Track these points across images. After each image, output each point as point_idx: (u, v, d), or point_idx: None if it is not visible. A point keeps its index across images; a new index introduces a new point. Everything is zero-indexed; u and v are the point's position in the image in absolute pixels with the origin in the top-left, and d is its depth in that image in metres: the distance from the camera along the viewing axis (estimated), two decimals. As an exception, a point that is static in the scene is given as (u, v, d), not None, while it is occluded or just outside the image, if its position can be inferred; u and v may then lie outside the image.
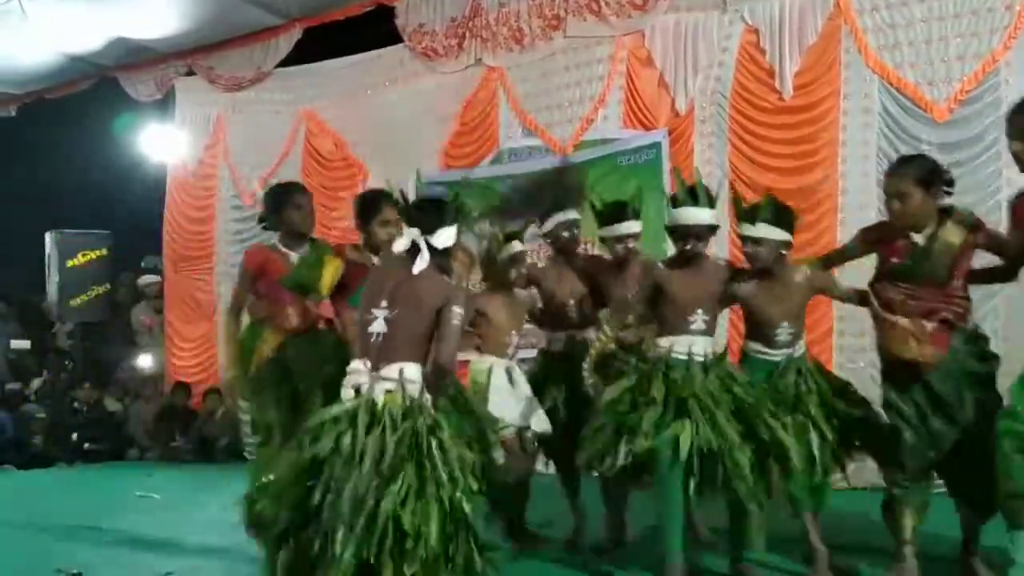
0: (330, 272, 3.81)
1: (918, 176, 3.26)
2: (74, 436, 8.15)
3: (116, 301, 9.22)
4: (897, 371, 3.32)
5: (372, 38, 7.56)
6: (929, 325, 3.23)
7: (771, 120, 5.93)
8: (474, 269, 3.30)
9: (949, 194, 3.36)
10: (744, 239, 3.51)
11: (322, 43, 7.74)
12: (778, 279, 3.50)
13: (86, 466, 7.81)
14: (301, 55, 7.91)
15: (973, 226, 3.31)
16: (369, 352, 2.84)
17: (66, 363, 8.93)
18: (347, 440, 2.66)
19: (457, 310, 2.82)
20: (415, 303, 2.84)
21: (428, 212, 2.96)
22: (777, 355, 3.53)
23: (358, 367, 2.84)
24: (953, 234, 3.28)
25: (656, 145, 6.24)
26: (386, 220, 3.74)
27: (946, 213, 3.32)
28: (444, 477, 2.63)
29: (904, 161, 3.49)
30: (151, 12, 7.63)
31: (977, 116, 5.33)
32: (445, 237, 2.91)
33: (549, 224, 4.12)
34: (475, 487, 2.71)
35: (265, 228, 4.01)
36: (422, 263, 2.87)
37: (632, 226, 4.06)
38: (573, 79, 6.69)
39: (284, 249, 3.83)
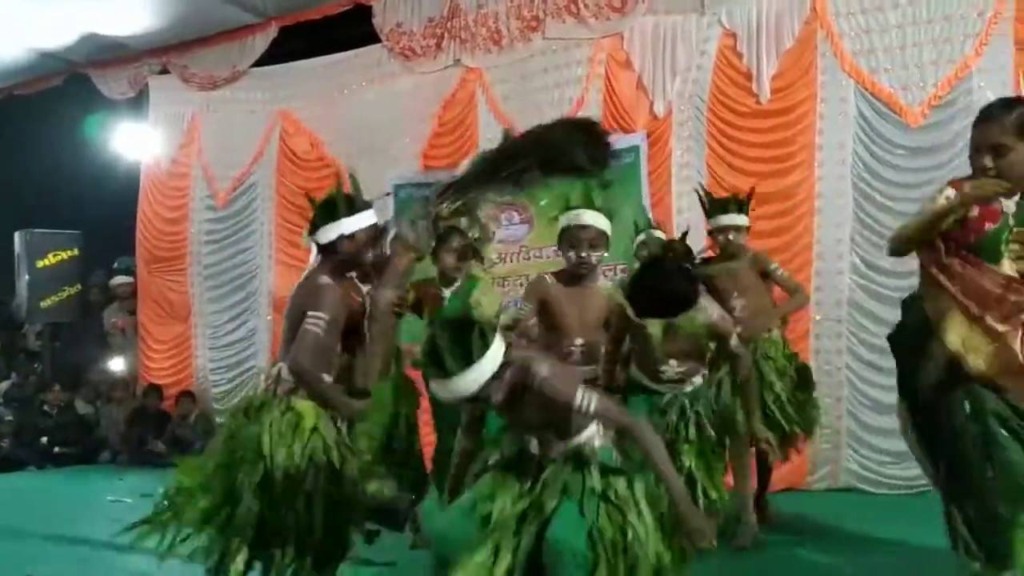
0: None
1: (1019, 123, 2.55)
2: (44, 439, 8.02)
3: (87, 302, 9.10)
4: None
5: (349, 38, 7.50)
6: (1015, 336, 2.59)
7: (748, 123, 5.96)
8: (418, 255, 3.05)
9: None
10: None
11: (298, 42, 7.67)
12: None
13: (56, 470, 7.69)
14: (277, 54, 7.83)
15: None
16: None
17: (35, 365, 8.81)
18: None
19: (312, 315, 2.86)
20: (292, 305, 2.99)
21: (319, 209, 3.02)
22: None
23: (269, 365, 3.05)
24: None
25: (635, 148, 6.25)
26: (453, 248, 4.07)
27: None
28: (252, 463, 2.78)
29: (995, 106, 2.67)
30: (124, 8, 7.53)
31: (950, 121, 5.39)
32: (324, 234, 2.96)
33: None
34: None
35: None
36: (313, 262, 3.00)
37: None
38: (552, 81, 6.68)
39: None
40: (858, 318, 5.49)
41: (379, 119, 7.30)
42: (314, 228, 3.00)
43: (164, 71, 8.42)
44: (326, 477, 2.82)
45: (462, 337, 2.30)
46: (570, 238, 3.40)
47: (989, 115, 2.62)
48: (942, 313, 2.64)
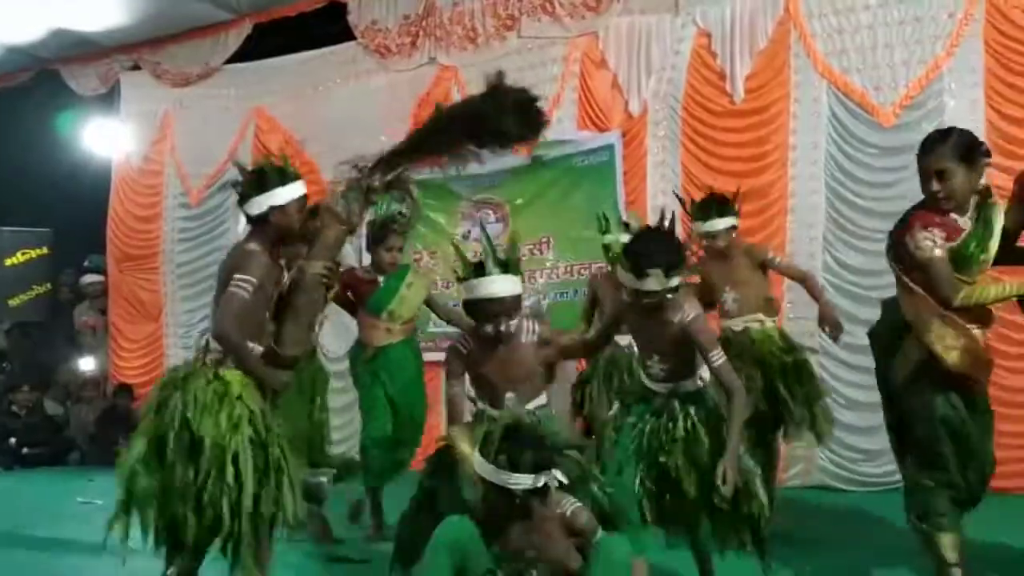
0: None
1: (957, 150, 2.90)
2: (12, 440, 7.89)
3: (57, 301, 8.99)
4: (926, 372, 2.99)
5: (324, 35, 7.46)
6: (977, 335, 2.93)
7: (722, 123, 6.00)
8: (349, 228, 3.15)
9: (982, 170, 3.01)
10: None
11: (273, 39, 7.61)
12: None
13: (25, 471, 7.57)
14: (251, 51, 7.77)
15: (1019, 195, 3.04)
16: None
17: (4, 365, 8.67)
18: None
19: (238, 277, 2.83)
20: (219, 272, 2.96)
21: (248, 181, 3.02)
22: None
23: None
24: (997, 212, 2.96)
25: (610, 147, 6.28)
26: (390, 247, 4.47)
27: (984, 195, 3.01)
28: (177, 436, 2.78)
29: (937, 135, 3.02)
30: (94, 4, 7.44)
31: (921, 121, 5.44)
32: (254, 205, 2.96)
33: None
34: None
35: None
36: (243, 233, 3.00)
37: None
38: (527, 79, 6.58)
39: None
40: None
41: (354, 117, 7.26)
42: (244, 199, 2.99)
43: (136, 67, 8.33)
44: (254, 446, 2.79)
45: None
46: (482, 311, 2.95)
47: (930, 145, 2.94)
48: (919, 314, 2.91)
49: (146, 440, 2.85)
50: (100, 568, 3.98)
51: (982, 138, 5.11)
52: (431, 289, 4.98)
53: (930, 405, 2.93)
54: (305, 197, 3.08)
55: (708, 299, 4.28)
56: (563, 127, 6.53)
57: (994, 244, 2.94)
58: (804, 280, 4.47)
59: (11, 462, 7.73)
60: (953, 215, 2.93)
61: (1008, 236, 3.07)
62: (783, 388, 4.10)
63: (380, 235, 4.50)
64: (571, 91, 6.51)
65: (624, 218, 5.20)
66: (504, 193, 6.70)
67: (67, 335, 8.84)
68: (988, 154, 3.00)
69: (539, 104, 3.05)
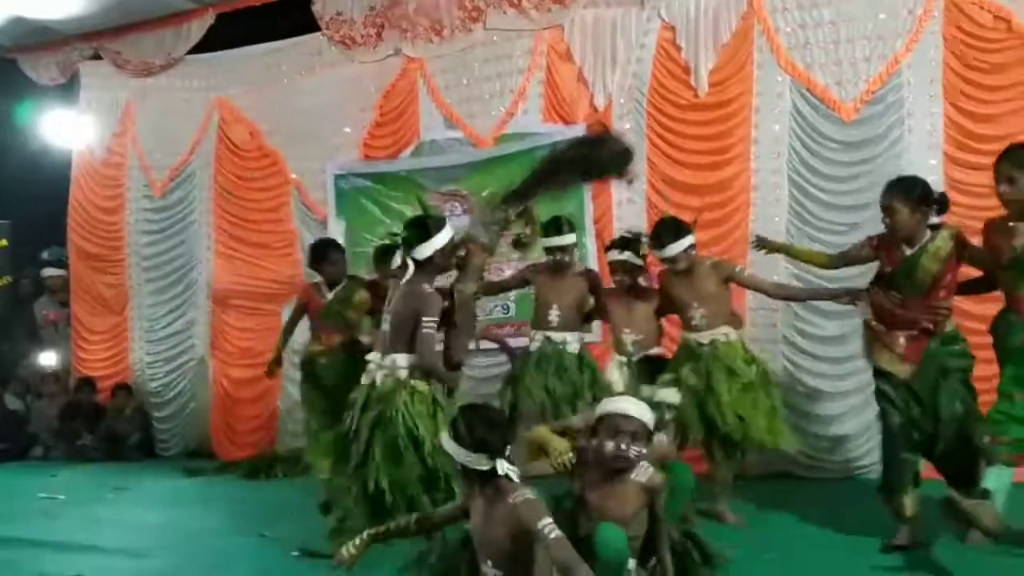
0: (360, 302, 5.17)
1: (906, 195, 3.66)
2: (-28, 436, 7.78)
3: (17, 294, 8.84)
4: (879, 370, 3.79)
5: (288, 25, 7.37)
6: (902, 339, 3.70)
7: (687, 116, 6.04)
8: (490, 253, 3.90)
9: (940, 213, 3.83)
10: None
11: (236, 29, 7.50)
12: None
13: (-14, 467, 7.46)
14: (214, 41, 7.66)
15: (956, 241, 3.67)
16: (379, 346, 3.74)
17: (-37, 359, 8.52)
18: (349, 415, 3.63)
19: (426, 320, 3.56)
20: (403, 307, 3.64)
21: (412, 230, 3.71)
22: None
23: (373, 358, 3.72)
24: (937, 249, 3.66)
25: (575, 140, 6.29)
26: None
27: (935, 229, 3.72)
28: (407, 438, 3.45)
29: (896, 181, 3.78)
30: (52, -9, 7.31)
31: (881, 115, 5.55)
32: (423, 250, 3.63)
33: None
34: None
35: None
36: (408, 275, 3.65)
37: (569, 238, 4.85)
38: (493, 71, 6.68)
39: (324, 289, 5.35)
40: (793, 308, 5.61)
41: (319, 108, 7.22)
42: (410, 246, 3.67)
43: (96, 57, 8.18)
44: None
45: None
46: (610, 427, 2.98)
47: (887, 186, 3.75)
48: (867, 339, 3.88)
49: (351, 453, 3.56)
50: (63, 563, 3.96)
51: (940, 132, 5.30)
52: None
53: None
54: (453, 237, 3.75)
55: (673, 312, 4.55)
56: (528, 120, 6.56)
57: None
58: (769, 292, 4.68)
59: (-29, 458, 7.62)
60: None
61: (992, 275, 3.73)
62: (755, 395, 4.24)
63: (380, 264, 4.87)
64: (537, 84, 6.52)
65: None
66: (470, 186, 6.69)
67: (28, 329, 8.70)
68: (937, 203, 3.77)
69: (632, 151, 3.94)
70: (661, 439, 3.45)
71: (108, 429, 7.70)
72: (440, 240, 3.65)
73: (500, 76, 6.66)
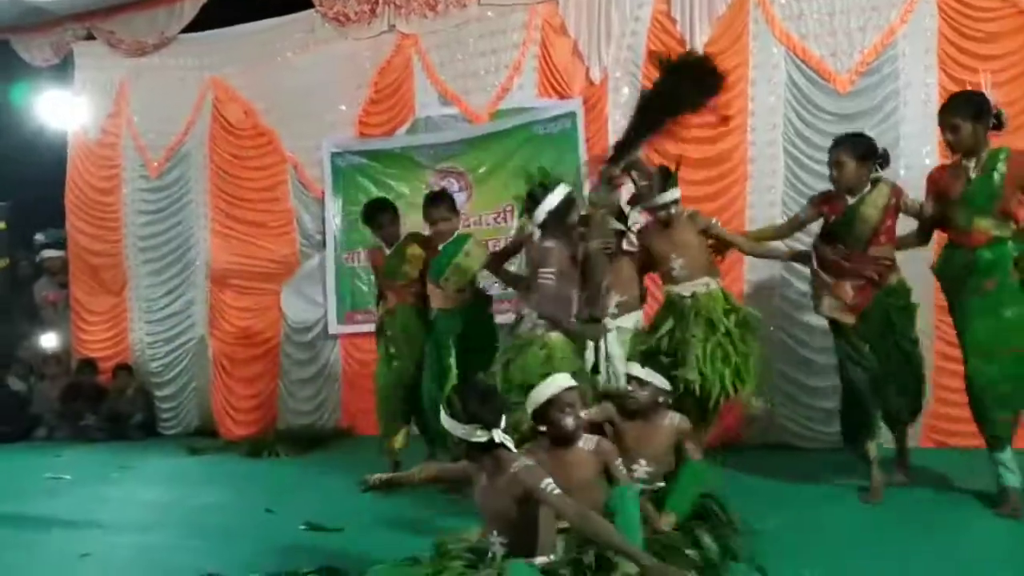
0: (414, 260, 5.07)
1: (853, 150, 3.99)
2: (-25, 418, 7.84)
3: (16, 276, 8.85)
4: (833, 324, 4.12)
5: (282, 3, 7.36)
6: (849, 288, 3.98)
7: (683, 89, 6.03)
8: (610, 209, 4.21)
9: (882, 167, 4.07)
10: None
11: (230, 8, 7.47)
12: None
13: (-10, 448, 7.52)
14: (208, 20, 7.63)
15: (892, 191, 4.00)
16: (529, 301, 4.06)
17: (-36, 342, 8.55)
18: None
19: (543, 271, 3.95)
20: (528, 263, 4.25)
21: (526, 200, 4.18)
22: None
23: (525, 312, 4.05)
24: (876, 198, 3.97)
25: (571, 114, 6.30)
26: (435, 219, 4.88)
27: (874, 183, 4.02)
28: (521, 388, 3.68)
29: (843, 138, 4.12)
30: (44, -29, 7.26)
31: (877, 87, 5.55)
32: (538, 215, 4.05)
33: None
34: None
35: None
36: (535, 236, 4.10)
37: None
38: (488, 47, 6.66)
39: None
40: (789, 279, 5.64)
41: (314, 86, 7.21)
42: (530, 213, 4.11)
43: (89, 37, 8.14)
44: None
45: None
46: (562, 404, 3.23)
47: (835, 142, 4.09)
48: (815, 291, 4.16)
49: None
50: (72, 540, 4.02)
51: (935, 103, 5.35)
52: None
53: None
54: (568, 195, 4.08)
55: (652, 266, 4.62)
56: (524, 95, 6.55)
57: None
58: (743, 248, 4.73)
59: (-25, 439, 7.67)
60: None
61: (924, 224, 4.09)
62: (731, 346, 4.29)
63: (426, 210, 4.92)
64: (532, 58, 6.51)
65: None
66: (466, 162, 6.71)
67: (28, 311, 8.73)
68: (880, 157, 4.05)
69: (720, 73, 4.14)
70: (673, 418, 3.78)
71: (110, 409, 7.75)
72: (550, 203, 4.02)
73: (495, 51, 6.65)
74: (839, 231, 4.05)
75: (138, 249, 8.03)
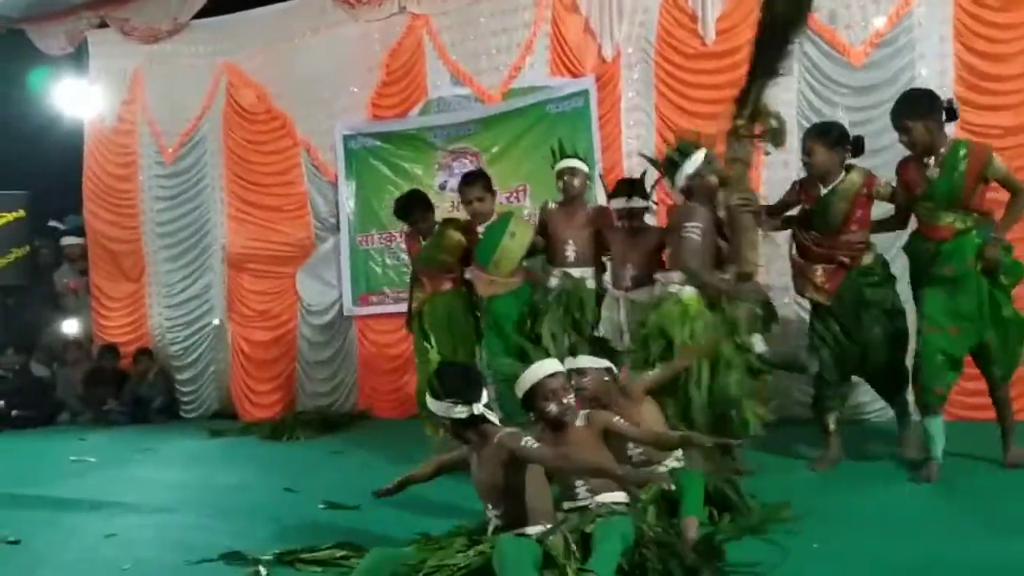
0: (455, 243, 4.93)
1: (823, 136, 4.10)
2: (1, 403, 7.95)
3: (37, 264, 8.95)
4: (810, 303, 4.32)
5: (292, -14, 7.37)
6: (820, 271, 4.15)
7: (695, 65, 6.01)
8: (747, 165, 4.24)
9: (856, 155, 4.15)
10: None
11: (240, -7, 7.52)
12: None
13: (15, 433, 7.63)
14: (220, 5, 7.65)
15: (865, 181, 4.09)
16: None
17: (-14, 329, 8.66)
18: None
19: (688, 225, 4.07)
20: (670, 228, 4.34)
21: (665, 168, 4.37)
22: None
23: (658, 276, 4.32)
24: (847, 187, 4.08)
25: (584, 92, 6.28)
26: (470, 199, 4.89)
27: (847, 170, 4.11)
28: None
29: (815, 125, 4.34)
30: (57, -40, 7.29)
31: (892, 58, 5.49)
32: (678, 180, 4.21)
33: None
34: None
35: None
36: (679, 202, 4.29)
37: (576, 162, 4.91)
38: (499, 26, 6.65)
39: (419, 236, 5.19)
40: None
41: (326, 69, 7.23)
42: (672, 181, 4.26)
43: (103, 25, 8.19)
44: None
45: None
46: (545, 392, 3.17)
47: (807, 130, 4.27)
48: (793, 274, 4.36)
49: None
50: (98, 521, 4.08)
51: (951, 74, 5.27)
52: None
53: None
54: (704, 158, 4.16)
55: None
56: (536, 73, 6.53)
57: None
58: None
59: (1, 424, 7.79)
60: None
61: (899, 210, 4.19)
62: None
63: (462, 191, 4.93)
64: (543, 37, 6.49)
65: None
66: (479, 142, 6.70)
67: (48, 298, 8.83)
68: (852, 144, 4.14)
69: None
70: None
71: (132, 393, 7.85)
72: (688, 168, 4.15)
73: (506, 30, 6.63)
74: (813, 218, 4.17)
75: (156, 235, 8.10)
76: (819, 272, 4.15)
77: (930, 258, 3.91)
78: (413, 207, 5.18)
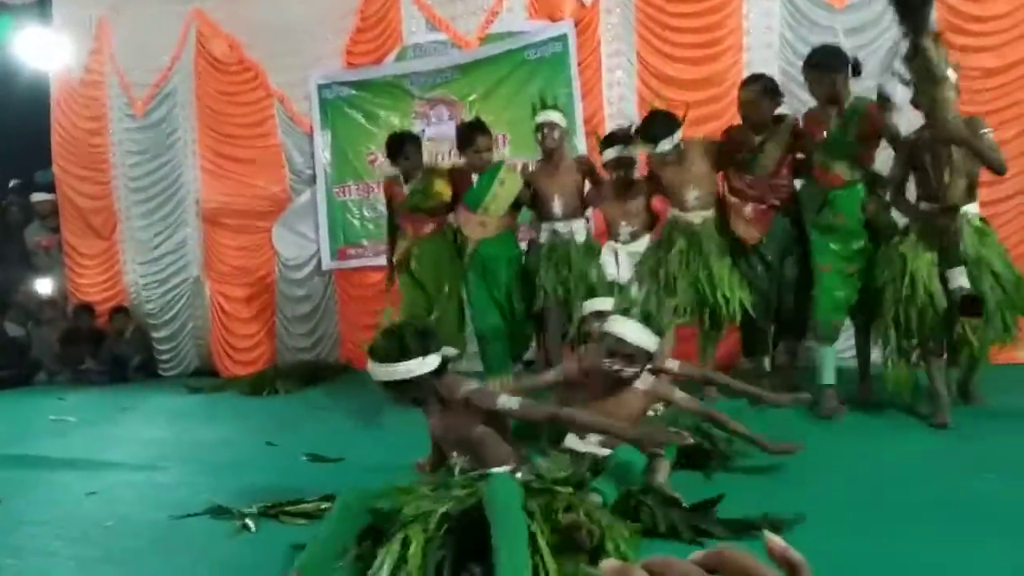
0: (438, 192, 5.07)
1: (754, 86, 4.37)
2: (-25, 364, 7.84)
3: (6, 222, 8.76)
4: (736, 241, 4.48)
5: (261, -69, 7.14)
6: (750, 208, 4.41)
7: (676, 9, 5.91)
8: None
9: (778, 104, 4.40)
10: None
11: (207, -63, 7.27)
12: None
13: (-8, 393, 7.54)
14: (186, -49, 7.42)
15: (794, 131, 4.35)
16: None
17: (-43, 290, 8.51)
18: None
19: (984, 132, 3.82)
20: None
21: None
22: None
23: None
24: (778, 136, 4.32)
25: (563, 37, 6.16)
26: (478, 148, 4.90)
27: (777, 120, 4.36)
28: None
29: (749, 78, 4.54)
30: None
31: (874, 0, 5.41)
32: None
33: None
34: None
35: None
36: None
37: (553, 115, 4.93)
38: (475, -30, 6.49)
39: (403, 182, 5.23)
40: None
41: (299, 17, 7.04)
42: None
43: (66, -29, 7.92)
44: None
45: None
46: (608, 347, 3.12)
47: (742, 82, 4.57)
48: (726, 213, 4.56)
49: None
50: (80, 479, 4.04)
51: (936, 14, 5.22)
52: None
53: None
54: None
55: (663, 194, 4.73)
56: (513, 18, 6.40)
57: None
58: None
59: (-25, 385, 7.69)
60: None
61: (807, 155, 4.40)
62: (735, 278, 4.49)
63: (469, 137, 4.91)
64: (521, -20, 6.34)
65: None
66: (457, 90, 6.58)
67: (20, 256, 8.66)
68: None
69: None
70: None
71: (109, 352, 7.76)
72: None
73: (482, -25, 6.47)
74: (748, 163, 4.41)
75: (128, 190, 7.93)
76: (748, 209, 4.43)
77: (821, 205, 4.21)
78: (407, 142, 5.18)
